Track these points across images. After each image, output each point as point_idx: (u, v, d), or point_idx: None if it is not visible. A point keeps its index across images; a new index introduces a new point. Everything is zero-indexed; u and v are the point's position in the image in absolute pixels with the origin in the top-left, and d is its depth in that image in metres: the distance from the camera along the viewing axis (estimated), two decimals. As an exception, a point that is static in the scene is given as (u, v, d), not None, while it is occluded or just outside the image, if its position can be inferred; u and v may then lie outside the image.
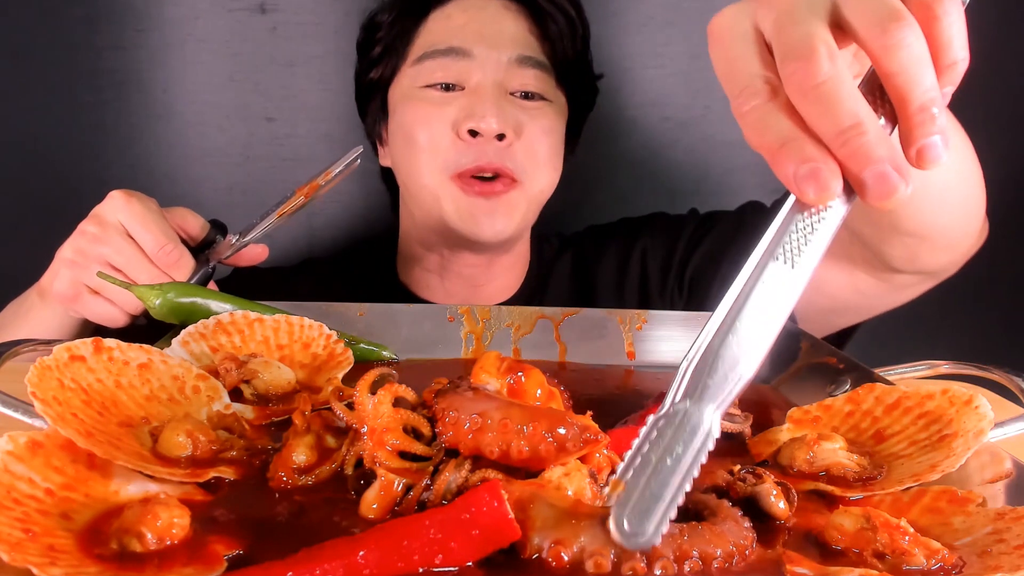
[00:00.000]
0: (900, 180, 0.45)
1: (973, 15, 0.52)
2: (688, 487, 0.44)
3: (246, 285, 1.17)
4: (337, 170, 0.93)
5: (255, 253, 0.98)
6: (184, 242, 0.93)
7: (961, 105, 0.62)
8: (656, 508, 0.43)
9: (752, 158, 1.42)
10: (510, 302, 1.18)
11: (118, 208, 0.89)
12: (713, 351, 0.46)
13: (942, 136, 0.47)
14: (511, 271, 1.20)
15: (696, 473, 0.44)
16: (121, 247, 0.88)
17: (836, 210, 0.47)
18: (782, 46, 0.46)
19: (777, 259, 0.48)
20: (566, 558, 0.44)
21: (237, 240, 0.95)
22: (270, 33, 1.37)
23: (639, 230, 1.22)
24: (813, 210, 0.47)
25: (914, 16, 0.46)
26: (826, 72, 0.45)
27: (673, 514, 0.43)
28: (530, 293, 1.20)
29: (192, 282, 0.90)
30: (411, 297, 1.20)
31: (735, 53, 0.49)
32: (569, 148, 1.20)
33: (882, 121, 0.48)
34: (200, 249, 0.95)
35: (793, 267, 0.48)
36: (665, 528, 0.43)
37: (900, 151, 0.46)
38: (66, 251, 0.90)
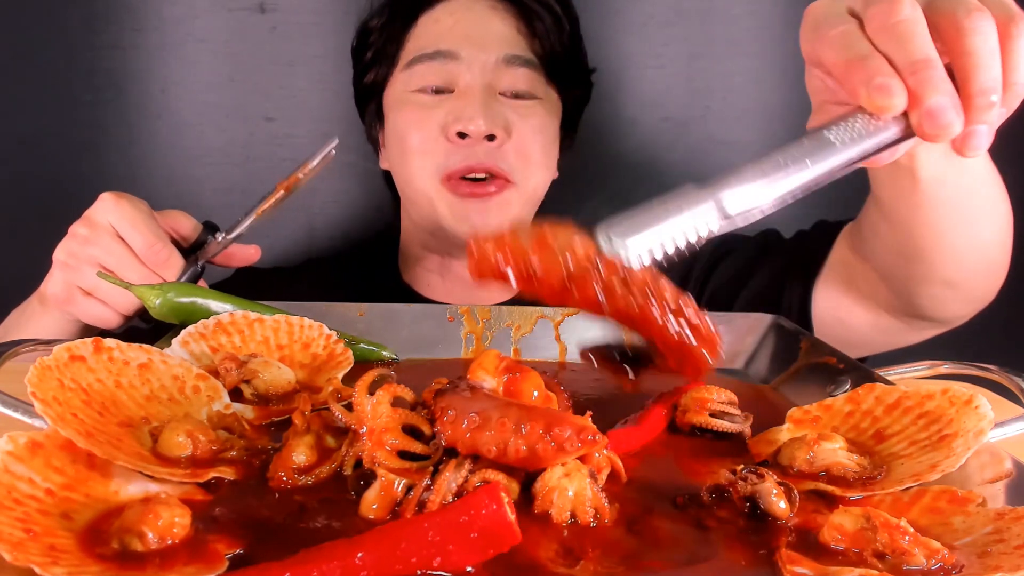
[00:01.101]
0: (957, 117, 0.51)
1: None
2: (680, 243, 0.50)
3: (248, 285, 1.16)
4: (314, 163, 0.94)
5: (248, 253, 0.99)
6: (177, 243, 0.95)
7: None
8: (644, 231, 0.50)
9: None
10: (513, 303, 1.18)
11: (108, 210, 0.90)
12: (747, 168, 0.53)
13: (990, 128, 0.52)
14: None
15: (691, 236, 0.51)
16: (111, 248, 0.89)
17: (888, 132, 0.53)
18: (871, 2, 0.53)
19: (831, 131, 0.54)
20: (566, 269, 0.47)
21: (223, 238, 0.96)
22: (269, 33, 1.37)
23: None
24: (873, 118, 0.53)
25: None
26: (907, 13, 0.52)
27: (659, 252, 0.50)
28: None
29: (181, 281, 0.91)
30: (413, 295, 1.20)
31: (825, 12, 0.55)
32: (566, 143, 1.20)
33: None
34: (192, 250, 0.96)
35: (838, 147, 0.53)
36: (646, 253, 0.49)
37: (959, 108, 0.52)
38: (59, 253, 0.92)
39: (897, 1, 0.53)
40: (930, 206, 0.80)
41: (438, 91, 1.07)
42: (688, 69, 1.40)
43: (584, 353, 0.61)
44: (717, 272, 1.15)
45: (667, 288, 0.51)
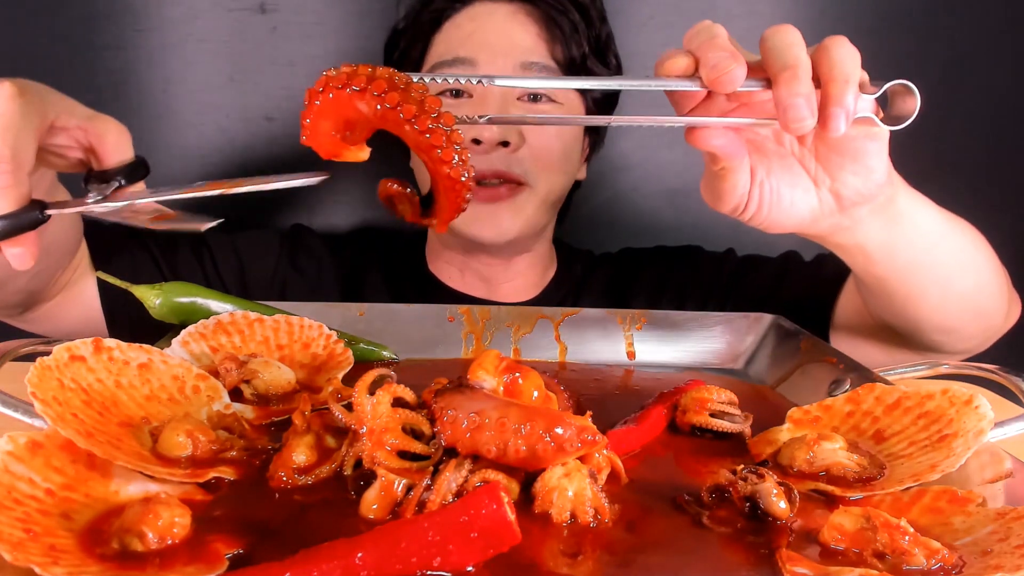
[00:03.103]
0: (737, 67, 0.61)
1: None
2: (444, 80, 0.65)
3: (297, 240, 1.20)
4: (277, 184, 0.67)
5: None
6: (92, 167, 0.72)
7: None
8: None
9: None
10: (530, 304, 1.18)
11: None
12: None
13: (807, 103, 0.61)
14: (531, 272, 1.21)
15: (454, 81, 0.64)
16: None
17: (675, 84, 0.65)
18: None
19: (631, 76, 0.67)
20: None
21: (97, 198, 0.69)
22: (270, 33, 1.37)
23: (676, 262, 1.23)
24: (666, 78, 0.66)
25: (814, 54, 0.63)
26: (706, 23, 0.68)
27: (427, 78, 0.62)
28: (558, 302, 1.20)
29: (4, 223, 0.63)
30: (438, 284, 1.20)
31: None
32: (593, 148, 1.22)
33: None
34: (99, 179, 0.70)
35: (626, 79, 0.69)
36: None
37: (739, 59, 0.62)
38: None
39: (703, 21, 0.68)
40: (894, 273, 0.82)
41: (456, 94, 1.08)
42: (688, 69, 1.40)
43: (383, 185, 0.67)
44: (737, 290, 1.15)
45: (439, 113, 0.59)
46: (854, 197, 0.71)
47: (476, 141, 1.04)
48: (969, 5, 1.38)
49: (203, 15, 1.35)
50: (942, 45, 1.38)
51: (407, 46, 1.15)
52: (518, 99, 1.08)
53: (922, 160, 0.76)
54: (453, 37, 1.10)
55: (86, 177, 0.71)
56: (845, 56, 0.62)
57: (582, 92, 1.14)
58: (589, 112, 1.16)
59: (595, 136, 1.22)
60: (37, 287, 0.92)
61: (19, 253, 0.66)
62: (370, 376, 0.57)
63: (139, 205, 0.68)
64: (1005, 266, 0.93)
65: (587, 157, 1.23)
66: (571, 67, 1.11)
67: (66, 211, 0.67)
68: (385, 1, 1.35)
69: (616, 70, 1.19)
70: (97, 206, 0.68)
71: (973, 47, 1.39)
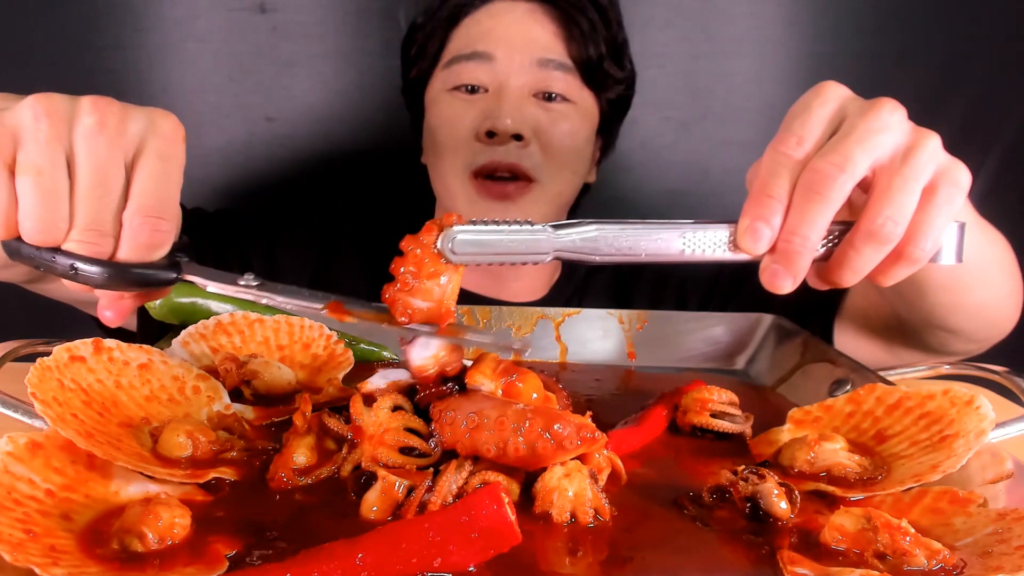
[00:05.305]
0: (767, 231, 0.59)
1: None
2: (512, 259, 0.58)
3: (315, 235, 1.19)
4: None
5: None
6: None
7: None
8: (480, 239, 0.58)
9: (751, 159, 1.42)
10: (525, 303, 1.18)
11: (160, 124, 0.59)
12: (592, 222, 0.61)
13: (783, 268, 0.60)
14: (540, 273, 1.21)
15: (520, 259, 0.58)
16: (108, 171, 0.53)
17: (736, 258, 0.63)
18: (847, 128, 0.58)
19: (688, 231, 0.64)
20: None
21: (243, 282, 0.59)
22: (270, 33, 1.37)
23: (676, 263, 1.22)
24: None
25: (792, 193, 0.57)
26: (841, 160, 0.55)
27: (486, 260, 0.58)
28: (563, 304, 1.20)
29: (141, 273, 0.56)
30: None
31: (805, 108, 0.60)
32: (604, 152, 1.22)
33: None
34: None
35: (682, 252, 0.64)
36: (469, 257, 0.58)
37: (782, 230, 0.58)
38: (25, 112, 0.56)
39: (849, 143, 0.54)
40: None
41: (472, 90, 1.08)
42: (688, 69, 1.40)
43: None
44: (740, 294, 1.15)
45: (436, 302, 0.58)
46: None
47: (490, 134, 1.04)
48: (970, 4, 1.38)
49: (203, 15, 1.35)
50: (942, 44, 1.38)
51: (424, 41, 1.15)
52: (534, 96, 1.08)
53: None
54: (471, 32, 1.11)
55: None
56: (816, 220, 0.56)
57: (596, 92, 1.13)
58: (603, 112, 1.15)
59: (608, 138, 1.21)
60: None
61: (112, 316, 0.57)
62: (363, 387, 0.58)
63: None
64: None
65: (598, 160, 1.23)
66: (587, 67, 1.11)
67: (197, 280, 0.59)
68: (385, 1, 1.35)
69: (630, 75, 1.19)
70: (240, 291, 0.59)
71: (974, 46, 1.39)
